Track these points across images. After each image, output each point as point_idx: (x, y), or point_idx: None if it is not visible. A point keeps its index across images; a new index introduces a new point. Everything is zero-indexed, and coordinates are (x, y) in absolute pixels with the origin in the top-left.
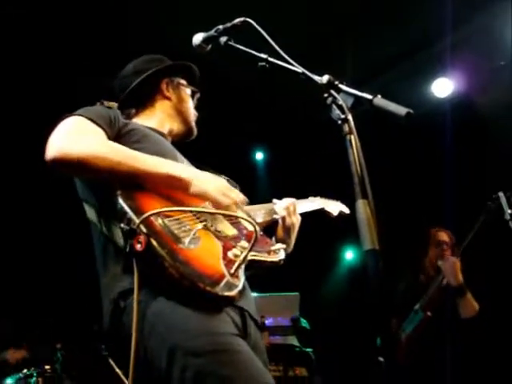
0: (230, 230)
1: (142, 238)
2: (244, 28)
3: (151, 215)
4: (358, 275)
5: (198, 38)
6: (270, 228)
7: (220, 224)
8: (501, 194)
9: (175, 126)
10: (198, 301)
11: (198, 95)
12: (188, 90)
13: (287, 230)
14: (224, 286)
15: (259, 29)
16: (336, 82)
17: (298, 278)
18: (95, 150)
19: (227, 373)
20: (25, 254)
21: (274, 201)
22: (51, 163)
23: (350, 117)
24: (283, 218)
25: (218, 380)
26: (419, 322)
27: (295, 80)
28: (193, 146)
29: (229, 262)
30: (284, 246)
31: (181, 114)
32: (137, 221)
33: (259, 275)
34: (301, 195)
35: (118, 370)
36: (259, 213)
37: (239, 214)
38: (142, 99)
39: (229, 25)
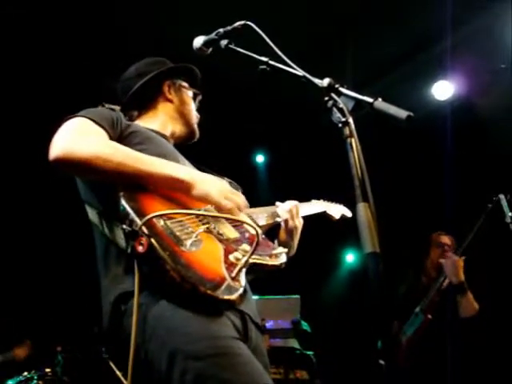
0: (232, 233)
1: (143, 239)
2: (245, 31)
3: (153, 217)
4: (358, 278)
5: (198, 41)
6: (273, 231)
7: (222, 227)
8: (501, 197)
9: (177, 128)
10: (198, 304)
11: (199, 97)
12: (190, 93)
13: (290, 232)
14: (225, 289)
15: (260, 32)
16: (337, 85)
17: (299, 280)
18: (98, 150)
19: (227, 376)
20: (26, 255)
21: (277, 203)
22: (54, 163)
23: (350, 120)
24: (286, 221)
25: (219, 383)
26: (420, 324)
27: (296, 83)
28: (194, 149)
29: (230, 265)
30: (286, 249)
31: (183, 116)
32: (139, 222)
33: (260, 278)
34: (301, 198)
35: (118, 373)
36: (261, 215)
37: (241, 217)
38: (145, 101)
39: (229, 28)
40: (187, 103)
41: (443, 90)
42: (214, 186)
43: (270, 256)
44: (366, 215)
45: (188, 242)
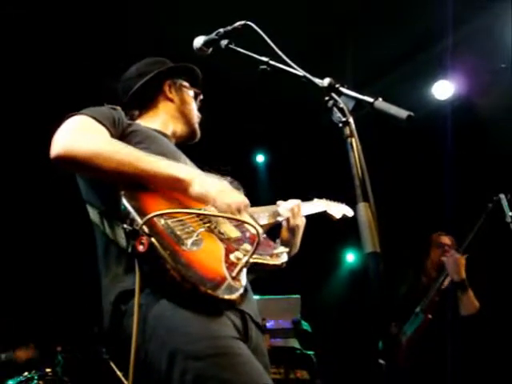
0: (233, 232)
1: (144, 239)
2: (245, 31)
3: (154, 216)
4: (359, 278)
5: (198, 41)
6: (274, 230)
7: (223, 226)
8: (501, 196)
9: (179, 127)
10: (198, 304)
11: (200, 97)
12: (191, 92)
13: (292, 231)
14: (225, 289)
15: (260, 32)
16: (337, 85)
17: (300, 280)
18: (99, 148)
19: (227, 376)
20: (26, 256)
21: (279, 202)
22: (56, 160)
23: (351, 120)
24: (288, 220)
25: (219, 383)
26: (420, 324)
27: (296, 83)
28: (194, 149)
29: (231, 265)
30: (287, 249)
31: (184, 115)
32: (140, 221)
33: (261, 278)
34: (301, 198)
35: (118, 373)
36: (263, 215)
37: (242, 217)
38: (146, 101)
39: (229, 28)
40: (188, 103)
41: (443, 89)
42: (213, 186)
43: (271, 255)
44: (367, 215)
45: (189, 242)
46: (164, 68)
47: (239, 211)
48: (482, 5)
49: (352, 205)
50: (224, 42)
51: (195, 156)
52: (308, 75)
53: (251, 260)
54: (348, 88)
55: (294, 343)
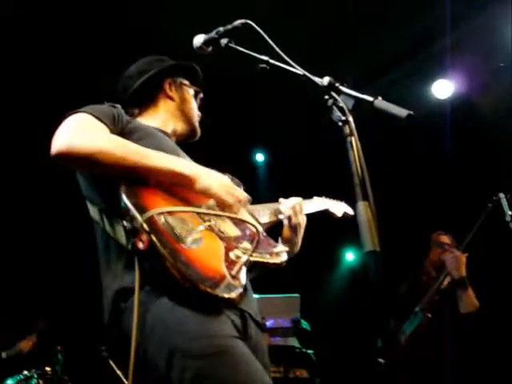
0: (233, 230)
1: (144, 236)
2: (245, 30)
3: (154, 214)
4: (358, 277)
5: (198, 40)
6: (275, 228)
7: (223, 224)
8: (501, 195)
9: (179, 125)
10: (198, 302)
11: (201, 95)
12: (191, 91)
13: (294, 229)
14: (224, 287)
15: (260, 31)
16: (337, 84)
17: (299, 279)
18: (101, 144)
19: (226, 375)
20: (27, 254)
21: (281, 200)
22: (56, 157)
23: (350, 118)
24: (289, 218)
25: (217, 382)
26: (419, 323)
27: (296, 81)
28: (194, 147)
29: (230, 263)
30: (286, 248)
31: (184, 113)
32: (140, 219)
33: (260, 276)
34: (302, 197)
35: (118, 372)
36: (263, 213)
37: (243, 215)
38: (146, 99)
39: (229, 27)
40: (188, 101)
41: (443, 88)
42: (216, 181)
43: (271, 254)
44: (366, 214)
45: (188, 240)
46: (164, 66)
47: (241, 206)
48: (482, 4)
49: (352, 204)
50: (224, 41)
51: (195, 155)
52: (308, 74)
53: (251, 259)
54: (348, 87)
55: (294, 342)
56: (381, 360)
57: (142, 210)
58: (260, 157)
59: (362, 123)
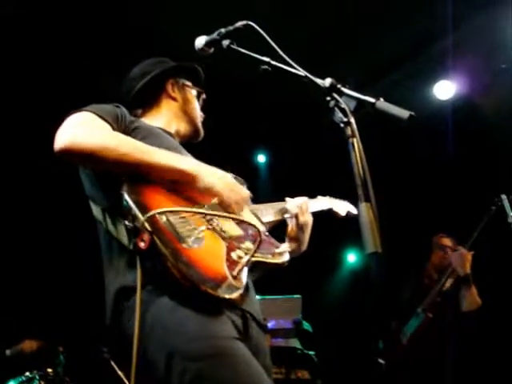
0: (235, 230)
1: (145, 236)
2: (246, 31)
3: (156, 214)
4: (360, 278)
5: (200, 42)
6: (279, 228)
7: (225, 223)
8: (503, 197)
9: (182, 126)
10: (198, 302)
11: (203, 96)
12: (194, 91)
13: (301, 227)
14: (226, 288)
15: (261, 32)
16: (338, 86)
17: (301, 280)
18: (104, 140)
19: (226, 377)
20: (28, 254)
21: (287, 199)
22: (60, 153)
23: (352, 120)
24: (296, 217)
25: None
26: (420, 323)
27: (298, 83)
28: (195, 148)
29: (232, 264)
30: (289, 248)
31: (187, 114)
32: (141, 218)
33: (264, 277)
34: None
35: (120, 373)
36: (267, 212)
37: (245, 214)
38: (148, 100)
39: (231, 28)
40: (191, 101)
41: (445, 89)
42: (219, 179)
43: (273, 254)
44: (368, 215)
45: (190, 239)
46: (166, 67)
47: (243, 204)
48: (483, 5)
49: (354, 205)
50: (225, 42)
51: (196, 155)
52: (309, 75)
53: (252, 259)
54: (349, 88)
55: (295, 343)
56: (381, 361)
57: (143, 209)
58: (261, 158)
59: (363, 124)
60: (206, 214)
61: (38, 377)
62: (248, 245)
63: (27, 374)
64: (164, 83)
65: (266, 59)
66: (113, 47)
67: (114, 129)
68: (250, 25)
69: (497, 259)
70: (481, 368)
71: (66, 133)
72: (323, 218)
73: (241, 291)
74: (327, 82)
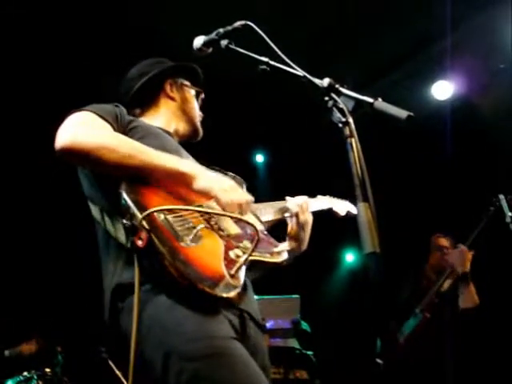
0: (233, 229)
1: (143, 234)
2: (245, 31)
3: (154, 212)
4: (358, 278)
5: (198, 42)
6: (278, 227)
7: (224, 222)
8: (501, 197)
9: (181, 126)
10: (196, 301)
11: (202, 96)
12: (192, 91)
13: (301, 227)
14: (223, 287)
15: (260, 32)
16: (337, 86)
17: (299, 280)
18: (104, 141)
19: (223, 377)
20: (27, 253)
21: (287, 198)
22: (60, 152)
23: (350, 120)
24: (297, 215)
25: None
26: (418, 323)
27: (296, 83)
28: (193, 149)
29: (229, 262)
30: (287, 247)
31: (186, 114)
32: (139, 216)
33: (263, 277)
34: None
35: (117, 373)
36: (266, 211)
37: (242, 215)
38: (147, 100)
39: (230, 28)
40: (189, 101)
41: (443, 90)
42: (216, 181)
43: (271, 254)
44: (366, 215)
45: (188, 238)
46: (165, 67)
47: (241, 208)
48: (482, 5)
49: (353, 205)
50: (224, 42)
51: (195, 155)
52: (308, 75)
53: (250, 258)
54: (348, 88)
55: (294, 343)
56: (379, 361)
57: (142, 207)
58: (260, 158)
59: (361, 124)
60: (203, 213)
61: (36, 376)
62: (246, 244)
63: (25, 373)
64: (162, 83)
65: (265, 59)
66: (113, 47)
67: (114, 129)
68: (248, 25)
69: (495, 259)
70: (480, 367)
71: (67, 132)
72: (322, 218)
73: (238, 290)
74: (325, 82)
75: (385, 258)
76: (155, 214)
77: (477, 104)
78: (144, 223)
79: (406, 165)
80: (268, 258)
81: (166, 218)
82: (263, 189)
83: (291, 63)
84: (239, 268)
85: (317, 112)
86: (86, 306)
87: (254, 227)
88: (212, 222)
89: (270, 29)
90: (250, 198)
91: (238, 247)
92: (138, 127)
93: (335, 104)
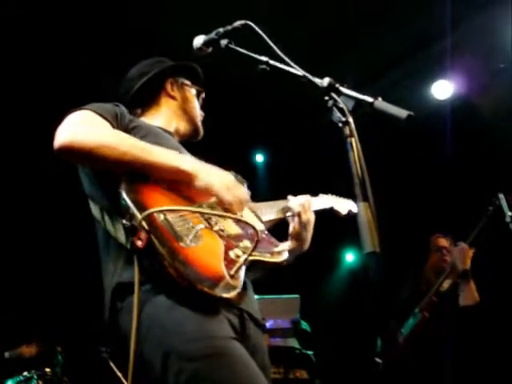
0: (233, 229)
1: (142, 234)
2: (245, 31)
3: (153, 212)
4: (358, 278)
5: (198, 41)
6: (279, 227)
7: (224, 222)
8: (501, 196)
9: (182, 125)
10: (195, 302)
11: (203, 95)
12: (193, 90)
13: (304, 226)
14: (223, 287)
15: (260, 32)
16: (337, 85)
17: (299, 280)
18: (104, 138)
19: (223, 377)
20: (27, 253)
21: (289, 197)
22: (60, 151)
23: (350, 119)
24: (299, 215)
25: None
26: (417, 322)
27: (296, 82)
28: (193, 148)
29: (229, 263)
30: (288, 247)
31: (186, 113)
32: (139, 217)
33: (263, 277)
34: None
35: (118, 373)
36: (266, 211)
37: (244, 213)
38: (148, 100)
39: (229, 27)
40: (190, 100)
41: (443, 89)
42: (217, 179)
43: (272, 253)
44: (366, 215)
45: (188, 238)
46: (165, 66)
47: (241, 206)
48: (482, 5)
49: None
50: (224, 42)
51: (195, 155)
52: (308, 75)
53: (250, 258)
54: (347, 88)
55: (294, 343)
56: (379, 360)
57: (141, 207)
58: (260, 157)
59: (361, 124)
60: (204, 213)
61: (36, 376)
62: (246, 243)
63: (25, 373)
64: (163, 82)
65: (265, 59)
66: (113, 47)
67: (113, 127)
68: (248, 24)
69: (495, 258)
70: (480, 367)
71: (66, 131)
72: (322, 218)
73: (238, 290)
74: (325, 81)
75: (385, 257)
76: (155, 214)
77: (477, 104)
78: (143, 224)
79: (405, 164)
80: (268, 258)
81: (165, 219)
82: (263, 189)
83: (291, 63)
84: (239, 268)
85: (317, 112)
86: (85, 306)
87: (254, 228)
88: (212, 222)
89: (270, 29)
90: (248, 196)
91: (237, 247)
92: (139, 127)
93: (335, 103)
